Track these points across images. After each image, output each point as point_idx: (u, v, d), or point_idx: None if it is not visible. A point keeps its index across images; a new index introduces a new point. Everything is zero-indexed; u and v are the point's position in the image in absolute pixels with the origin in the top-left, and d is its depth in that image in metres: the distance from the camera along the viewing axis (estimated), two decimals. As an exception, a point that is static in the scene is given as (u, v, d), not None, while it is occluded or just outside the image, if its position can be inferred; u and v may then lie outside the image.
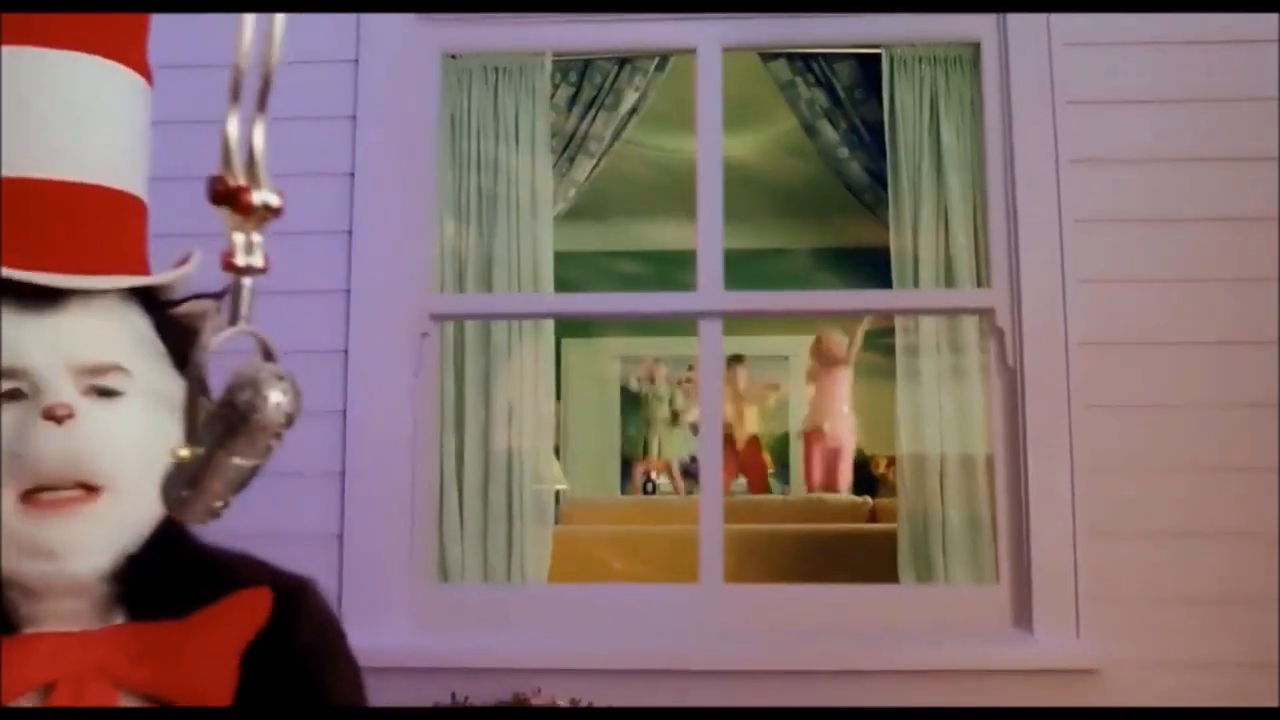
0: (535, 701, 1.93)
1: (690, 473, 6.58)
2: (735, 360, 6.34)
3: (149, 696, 0.82)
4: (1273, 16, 2.20)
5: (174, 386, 0.85)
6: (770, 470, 6.89)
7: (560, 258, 2.69)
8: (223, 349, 0.68)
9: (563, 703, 1.95)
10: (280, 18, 0.65)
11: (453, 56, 2.47)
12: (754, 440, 6.78)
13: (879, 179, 2.64)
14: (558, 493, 4.55)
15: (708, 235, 2.30)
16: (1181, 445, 2.15)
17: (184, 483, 0.72)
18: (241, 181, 0.66)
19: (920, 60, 2.51)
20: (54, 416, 0.78)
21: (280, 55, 0.65)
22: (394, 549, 2.14)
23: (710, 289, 2.29)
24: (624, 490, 6.98)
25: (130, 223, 0.89)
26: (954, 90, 2.52)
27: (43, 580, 0.80)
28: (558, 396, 4.87)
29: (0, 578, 0.79)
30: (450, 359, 2.59)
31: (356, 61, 2.27)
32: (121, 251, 0.88)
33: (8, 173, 0.80)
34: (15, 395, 0.79)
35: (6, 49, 0.81)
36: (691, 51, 2.35)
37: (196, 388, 0.69)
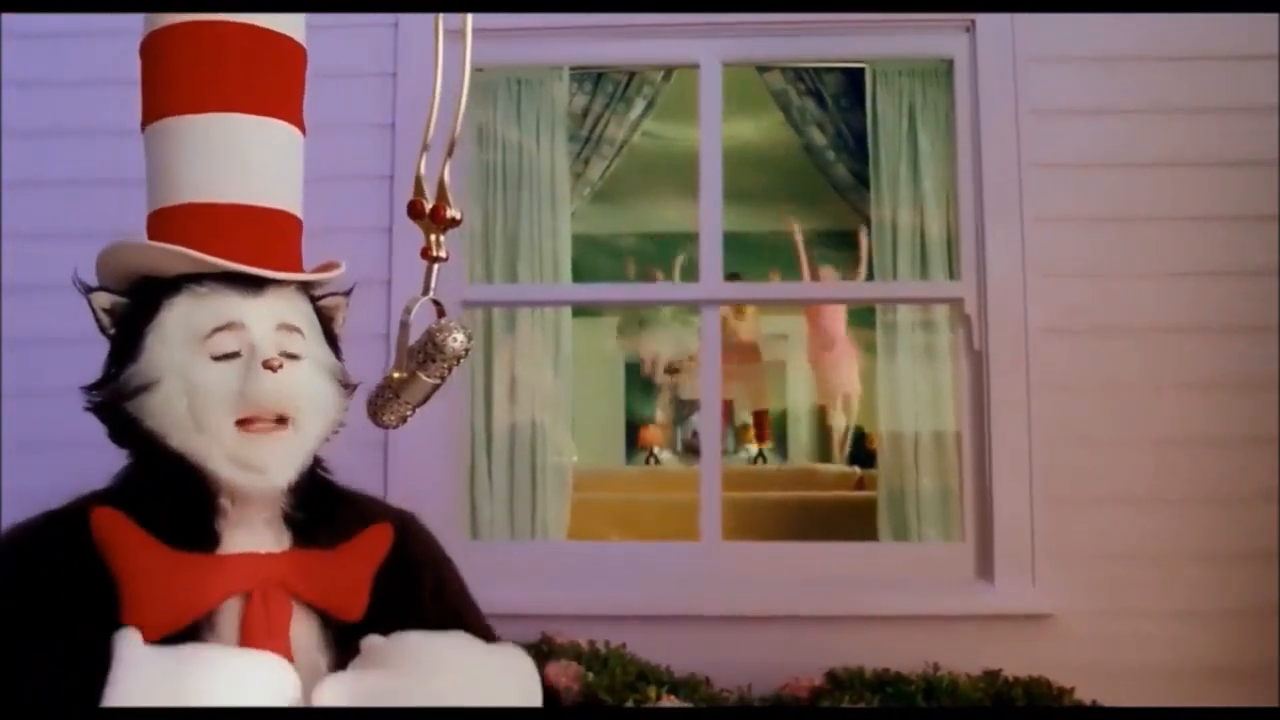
0: (559, 642, 2.17)
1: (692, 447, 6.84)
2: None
3: (311, 605, 1.09)
4: (1212, 34, 2.40)
5: (324, 353, 1.15)
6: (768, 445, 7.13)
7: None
8: (416, 310, 1.02)
9: (581, 643, 2.19)
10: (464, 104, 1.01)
11: (479, 70, 2.64)
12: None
13: (862, 179, 2.81)
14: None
15: (709, 233, 2.50)
16: (1128, 422, 2.34)
17: (390, 395, 1.05)
18: (433, 202, 1.01)
19: (900, 74, 2.67)
20: (271, 366, 1.05)
21: (461, 125, 0.97)
22: (432, 510, 2.38)
23: (711, 280, 2.50)
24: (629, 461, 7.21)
25: (297, 234, 1.19)
26: (930, 101, 2.67)
27: (252, 488, 1.07)
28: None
29: (219, 485, 1.06)
30: (480, 341, 2.74)
31: (395, 75, 2.47)
32: (295, 255, 1.18)
33: (230, 200, 1.11)
34: (236, 354, 1.06)
35: (220, 115, 1.10)
36: (695, 67, 2.54)
37: (405, 334, 1.03)
